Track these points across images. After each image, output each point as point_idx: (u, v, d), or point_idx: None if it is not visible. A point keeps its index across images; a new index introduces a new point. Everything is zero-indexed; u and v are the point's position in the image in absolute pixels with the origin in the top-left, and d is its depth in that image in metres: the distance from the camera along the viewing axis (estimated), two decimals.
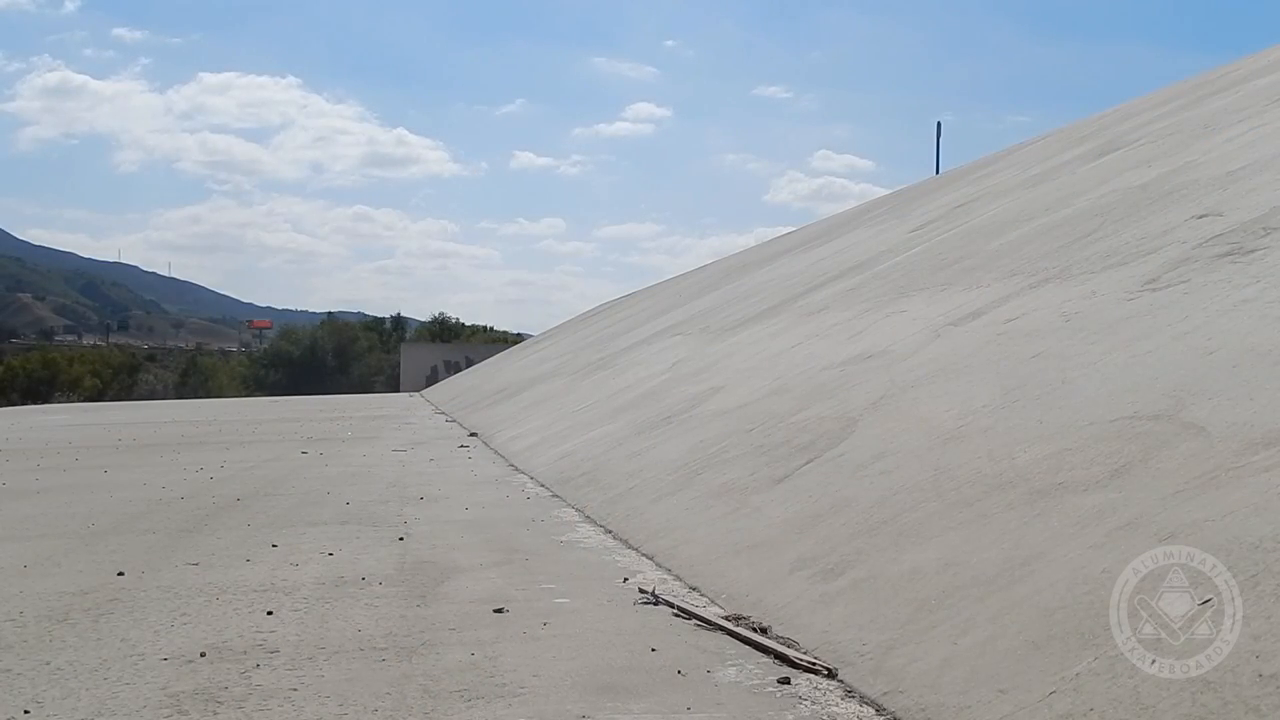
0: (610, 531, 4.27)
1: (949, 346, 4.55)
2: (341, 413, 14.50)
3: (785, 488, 3.75)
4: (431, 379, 33.23)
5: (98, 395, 47.28)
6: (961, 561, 2.53)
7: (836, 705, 2.16)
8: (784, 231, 23.72)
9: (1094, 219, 5.63)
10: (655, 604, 3.06)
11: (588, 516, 4.67)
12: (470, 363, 32.54)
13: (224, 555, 3.95)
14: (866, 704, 2.14)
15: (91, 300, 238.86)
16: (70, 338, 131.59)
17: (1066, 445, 2.84)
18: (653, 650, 2.59)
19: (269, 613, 3.03)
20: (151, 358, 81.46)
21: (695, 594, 3.16)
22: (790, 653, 2.45)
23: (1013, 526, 2.57)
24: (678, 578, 3.37)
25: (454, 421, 11.87)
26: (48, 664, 2.57)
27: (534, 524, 4.57)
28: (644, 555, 3.76)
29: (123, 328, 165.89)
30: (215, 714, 2.21)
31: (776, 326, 7.72)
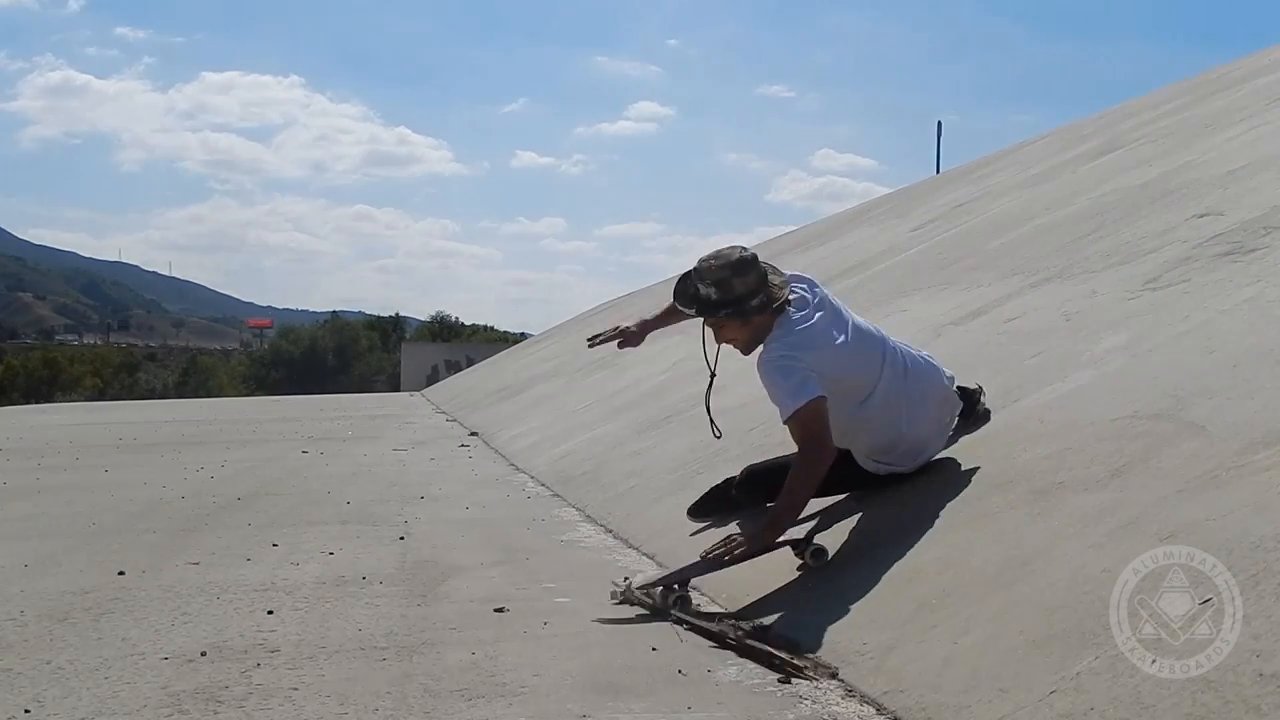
0: (611, 531, 4.27)
1: (950, 346, 4.55)
2: (342, 412, 14.50)
3: None
4: (432, 378, 33.22)
5: (98, 395, 47.28)
6: (962, 560, 2.53)
7: (837, 705, 2.16)
8: (785, 231, 23.73)
9: (1094, 218, 5.63)
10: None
11: (588, 516, 4.67)
12: (471, 362, 32.52)
13: (224, 554, 3.95)
14: (867, 703, 2.15)
15: (92, 300, 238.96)
16: (71, 337, 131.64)
17: (1067, 444, 2.84)
18: (653, 650, 2.60)
19: (269, 612, 3.03)
20: (152, 357, 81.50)
21: (695, 593, 3.16)
22: (789, 659, 2.45)
23: (1013, 526, 2.57)
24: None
25: (454, 421, 11.87)
26: (48, 663, 2.57)
27: (535, 523, 4.57)
28: (645, 555, 3.76)
29: (123, 327, 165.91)
30: (216, 713, 2.21)
31: None
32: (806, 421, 2.89)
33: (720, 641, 2.63)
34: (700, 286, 3.10)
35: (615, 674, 2.42)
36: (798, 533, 3.07)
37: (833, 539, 3.09)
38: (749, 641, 2.56)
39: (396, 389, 38.03)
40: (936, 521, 2.83)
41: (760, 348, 3.08)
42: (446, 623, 2.92)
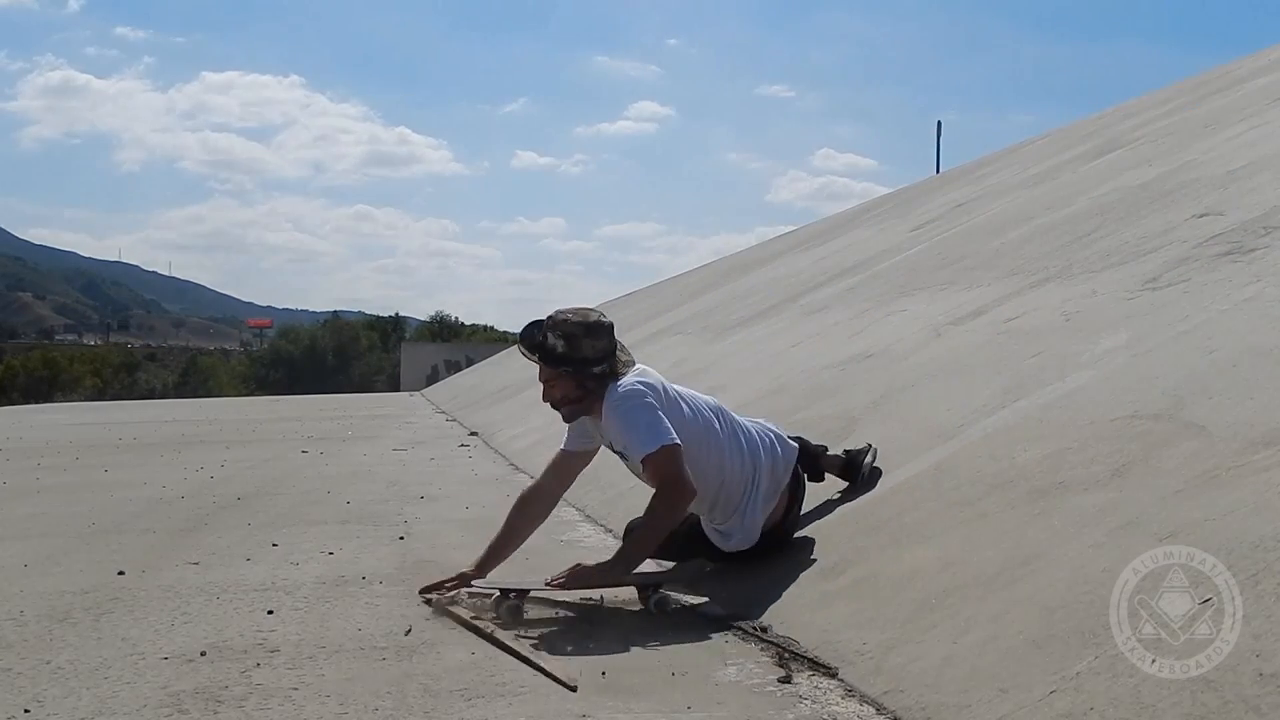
0: (611, 531, 4.27)
1: (949, 345, 4.55)
2: (342, 412, 14.50)
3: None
4: (432, 378, 33.22)
5: (98, 395, 47.27)
6: (962, 560, 2.53)
7: (837, 704, 2.16)
8: (785, 231, 23.74)
9: (1094, 218, 5.63)
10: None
11: (588, 516, 4.67)
12: (470, 362, 32.51)
13: (224, 554, 3.95)
14: (867, 703, 2.14)
15: (92, 299, 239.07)
16: (70, 337, 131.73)
17: (1067, 444, 2.84)
18: (653, 650, 2.60)
19: (269, 612, 3.03)
20: (152, 357, 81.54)
21: (695, 593, 3.16)
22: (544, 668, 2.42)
23: (1013, 526, 2.57)
24: (677, 576, 3.37)
25: (454, 421, 11.87)
26: (48, 663, 2.57)
27: None
28: None
29: (123, 327, 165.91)
30: (215, 713, 2.21)
31: (777, 325, 7.72)
32: (667, 462, 2.89)
33: (510, 653, 2.58)
34: (549, 335, 3.09)
35: (615, 674, 2.41)
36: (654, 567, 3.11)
37: (831, 538, 3.09)
38: (529, 659, 2.50)
39: (396, 389, 38.00)
40: (936, 521, 2.83)
41: (586, 418, 3.12)
42: (446, 622, 2.91)
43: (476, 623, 2.80)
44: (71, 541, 4.29)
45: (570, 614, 2.98)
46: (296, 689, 2.34)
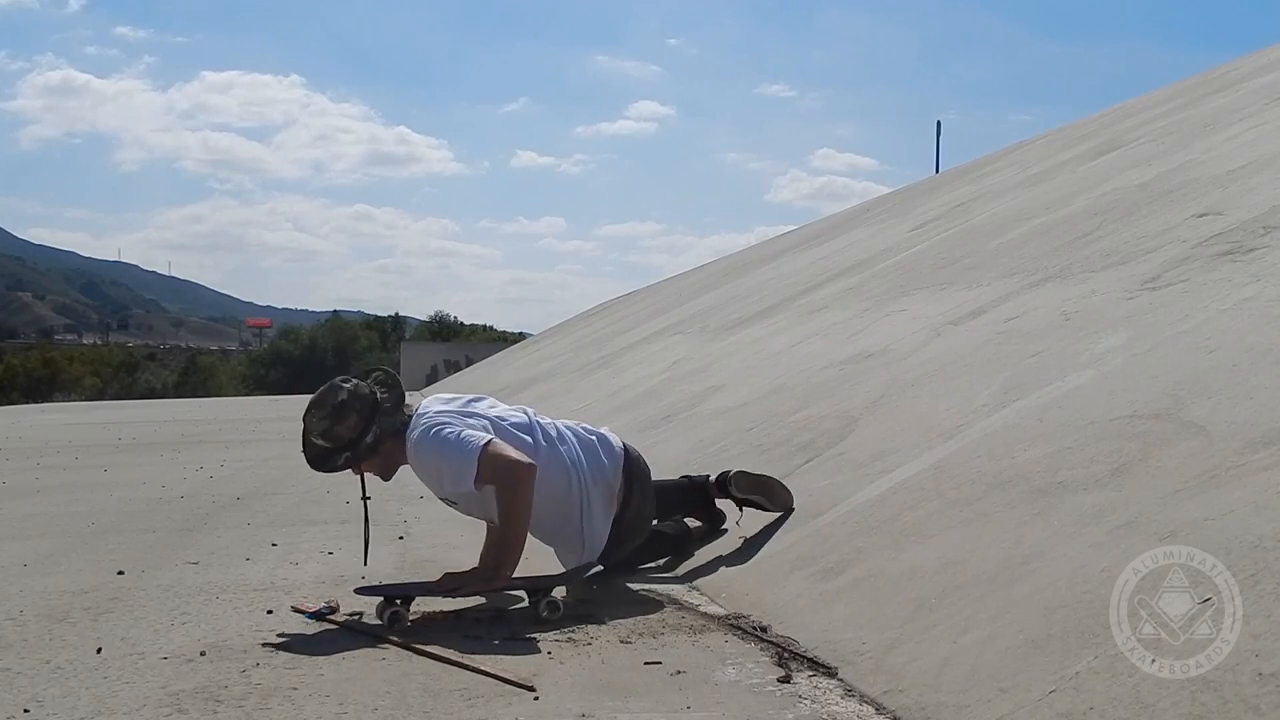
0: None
1: (949, 345, 4.55)
2: None
3: None
4: (431, 378, 33.23)
5: (98, 395, 47.27)
6: (961, 560, 2.53)
7: (836, 704, 2.16)
8: (785, 230, 23.75)
9: (1094, 218, 5.63)
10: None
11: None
12: (470, 362, 32.53)
13: (224, 554, 3.95)
14: (866, 703, 2.14)
15: (91, 299, 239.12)
16: (70, 337, 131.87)
17: (1066, 444, 2.84)
18: (653, 650, 2.59)
19: (269, 612, 3.03)
20: (151, 357, 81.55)
21: (695, 593, 3.16)
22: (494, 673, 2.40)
23: (1013, 525, 2.57)
24: (676, 576, 3.37)
25: None
26: (48, 663, 2.57)
27: None
28: None
29: (123, 327, 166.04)
30: (215, 713, 2.20)
31: (776, 325, 7.72)
32: (491, 460, 2.86)
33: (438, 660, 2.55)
34: (312, 440, 3.06)
35: (614, 674, 2.41)
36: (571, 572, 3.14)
37: (831, 538, 3.09)
38: (438, 654, 2.50)
39: None
40: (936, 521, 2.83)
41: (402, 466, 3.10)
42: (446, 623, 2.91)
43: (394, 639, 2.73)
44: (71, 541, 4.29)
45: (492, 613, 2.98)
46: (296, 689, 2.34)
